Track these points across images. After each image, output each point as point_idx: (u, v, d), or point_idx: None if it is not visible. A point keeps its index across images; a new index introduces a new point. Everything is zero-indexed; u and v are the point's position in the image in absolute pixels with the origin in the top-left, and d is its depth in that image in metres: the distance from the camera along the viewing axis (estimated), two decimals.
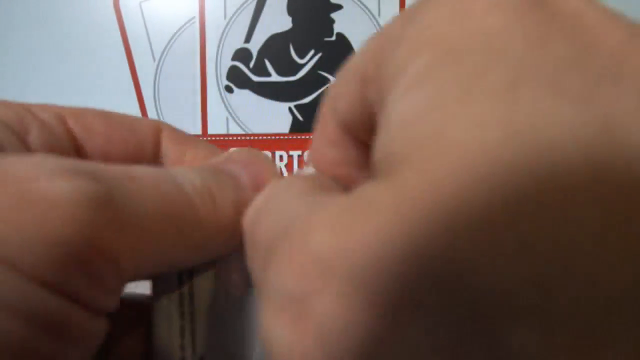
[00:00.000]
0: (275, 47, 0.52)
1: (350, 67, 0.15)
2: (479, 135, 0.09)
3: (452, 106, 0.10)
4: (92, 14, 0.52)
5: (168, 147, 0.21)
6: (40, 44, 0.52)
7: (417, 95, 0.10)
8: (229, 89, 0.52)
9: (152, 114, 0.51)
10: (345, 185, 0.18)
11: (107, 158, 0.19)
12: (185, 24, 0.52)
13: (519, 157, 0.09)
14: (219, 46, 0.52)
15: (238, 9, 0.52)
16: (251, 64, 0.52)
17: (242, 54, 0.52)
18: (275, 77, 0.52)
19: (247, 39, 0.52)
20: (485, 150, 0.09)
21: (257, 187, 0.18)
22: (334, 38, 0.52)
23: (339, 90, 0.15)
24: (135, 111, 0.51)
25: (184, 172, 0.17)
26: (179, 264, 0.17)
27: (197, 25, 0.52)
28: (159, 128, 0.21)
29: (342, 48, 0.52)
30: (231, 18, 0.52)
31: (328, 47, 0.52)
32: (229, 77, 0.52)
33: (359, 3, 0.52)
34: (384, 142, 0.11)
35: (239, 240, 0.17)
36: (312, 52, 0.52)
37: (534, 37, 0.10)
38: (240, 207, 0.17)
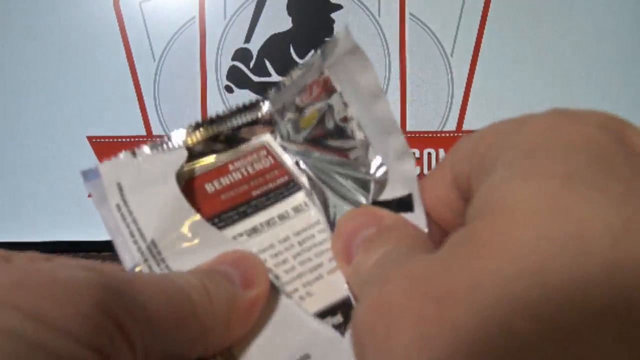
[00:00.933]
0: (275, 47, 0.52)
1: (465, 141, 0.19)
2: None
3: (559, 195, 0.13)
4: (92, 14, 0.52)
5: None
6: (40, 43, 0.52)
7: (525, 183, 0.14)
8: (229, 89, 0.52)
9: (152, 114, 0.51)
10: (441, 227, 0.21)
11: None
12: (185, 24, 0.52)
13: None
14: (219, 46, 0.52)
15: (238, 9, 0.52)
16: (251, 64, 0.52)
17: (242, 54, 0.52)
18: (275, 77, 0.52)
19: (247, 39, 0.52)
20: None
21: (248, 284, 0.20)
22: None
23: (458, 153, 0.19)
24: (135, 111, 0.51)
25: (181, 274, 0.19)
26: (184, 354, 0.18)
27: (197, 25, 0.52)
28: None
29: None
30: (231, 18, 0.52)
31: None
32: (229, 77, 0.52)
33: (359, 3, 0.52)
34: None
35: (233, 334, 0.19)
36: (312, 52, 0.52)
37: (607, 160, 0.14)
38: (232, 303, 0.19)
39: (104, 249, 0.49)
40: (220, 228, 0.22)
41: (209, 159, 0.24)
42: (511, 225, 0.13)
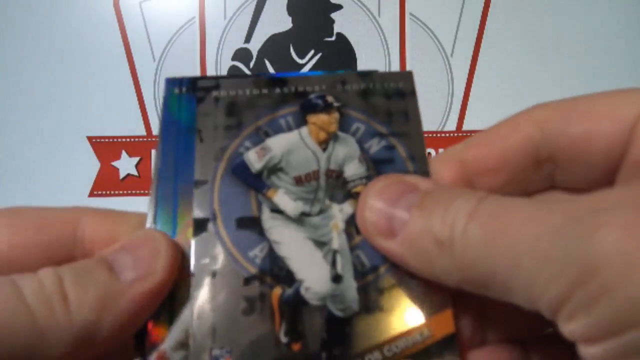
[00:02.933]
0: (275, 47, 0.52)
1: None
2: None
3: None
4: (92, 14, 0.52)
5: (93, 233, 0.21)
6: (40, 43, 0.52)
7: None
8: None
9: (152, 114, 0.51)
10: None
11: (12, 264, 0.19)
12: (185, 24, 0.52)
13: None
14: (219, 46, 0.52)
15: (238, 9, 0.52)
16: (251, 64, 0.52)
17: (242, 54, 0.52)
18: None
19: (247, 39, 0.52)
20: None
21: (143, 275, 0.19)
22: (334, 38, 0.52)
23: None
24: (136, 111, 0.51)
25: (32, 277, 0.17)
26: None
27: (197, 25, 0.52)
28: (76, 218, 0.21)
29: (342, 48, 0.52)
30: (231, 18, 0.52)
31: (328, 47, 0.52)
32: None
33: (359, 3, 0.52)
34: None
35: (107, 337, 0.18)
36: (312, 52, 0.52)
37: None
38: (109, 302, 0.17)
39: None
40: None
41: None
42: None
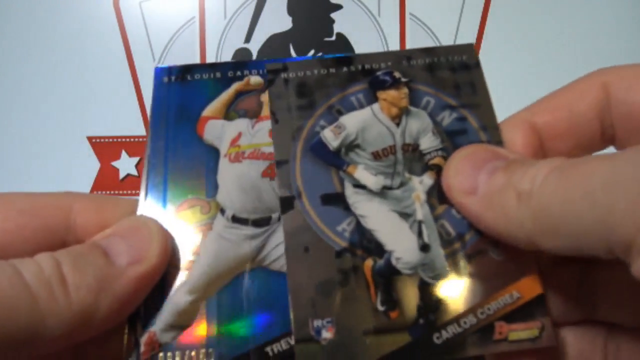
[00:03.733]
0: (275, 47, 0.52)
1: None
2: None
3: None
4: (92, 14, 0.52)
5: (85, 219, 0.22)
6: (40, 43, 0.52)
7: None
8: None
9: None
10: None
11: (4, 250, 0.19)
12: (185, 24, 0.52)
13: None
14: (219, 46, 0.52)
15: (238, 9, 0.52)
16: None
17: (242, 54, 0.52)
18: None
19: (247, 39, 0.52)
20: None
21: (138, 259, 0.19)
22: (334, 38, 0.52)
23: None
24: (136, 111, 0.51)
25: (31, 261, 0.18)
26: (42, 347, 0.17)
27: (197, 25, 0.52)
28: (68, 204, 0.22)
29: (342, 48, 0.52)
30: (231, 18, 0.52)
31: (328, 47, 0.52)
32: None
33: (359, 3, 0.52)
34: None
35: (113, 313, 0.18)
36: (312, 52, 0.52)
37: None
38: (106, 284, 0.18)
39: None
40: None
41: None
42: None
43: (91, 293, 0.18)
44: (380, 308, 0.21)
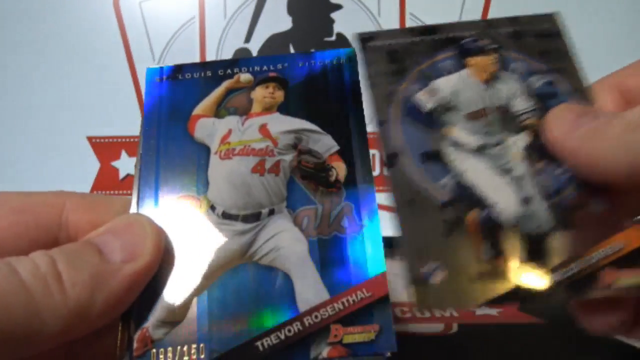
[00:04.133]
0: (275, 47, 0.52)
1: None
2: None
3: None
4: (92, 14, 0.52)
5: (77, 218, 0.22)
6: (40, 43, 0.52)
7: None
8: None
9: None
10: None
11: None
12: (185, 24, 0.52)
13: None
14: (218, 46, 0.52)
15: (238, 8, 0.52)
16: None
17: (242, 54, 0.52)
18: None
19: (247, 39, 0.52)
20: None
21: (132, 257, 0.20)
22: (334, 38, 0.52)
23: None
24: (136, 111, 0.51)
25: (26, 259, 0.18)
26: (38, 344, 0.17)
27: (197, 25, 0.52)
28: (61, 202, 0.22)
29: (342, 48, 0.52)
30: (231, 18, 0.52)
31: (328, 47, 0.52)
32: None
33: (359, 3, 0.52)
34: None
35: (108, 310, 0.18)
36: None
37: None
38: (101, 281, 0.18)
39: None
40: None
41: None
42: None
43: (87, 289, 0.18)
44: (485, 256, 0.22)
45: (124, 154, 0.50)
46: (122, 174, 0.50)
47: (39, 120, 0.51)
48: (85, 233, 0.21)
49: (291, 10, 0.52)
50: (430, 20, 0.52)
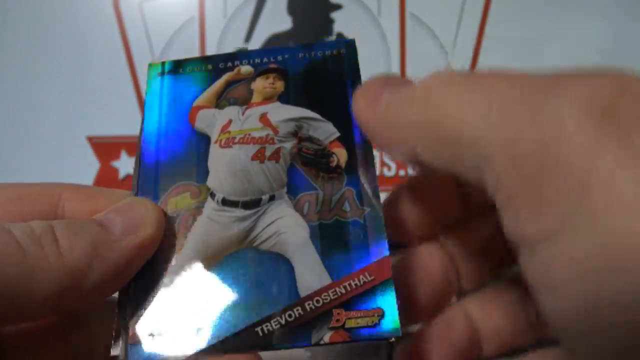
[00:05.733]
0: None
1: None
2: None
3: None
4: (92, 14, 0.52)
5: (74, 209, 0.22)
6: (40, 43, 0.52)
7: None
8: None
9: None
10: None
11: None
12: (185, 23, 0.52)
13: None
14: (218, 46, 0.52)
15: (238, 8, 0.52)
16: None
17: None
18: None
19: (247, 39, 0.52)
20: None
21: (134, 230, 0.19)
22: (334, 38, 0.52)
23: None
24: (136, 111, 0.51)
25: (22, 223, 0.17)
26: (30, 305, 0.17)
27: (196, 25, 0.52)
28: (57, 193, 0.22)
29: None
30: (231, 18, 0.52)
31: None
32: None
33: (359, 3, 0.52)
34: None
35: (108, 279, 0.18)
36: None
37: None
38: (98, 248, 0.18)
39: None
40: None
41: None
42: None
43: (86, 255, 0.17)
44: None
45: (124, 154, 0.50)
46: (122, 174, 0.50)
47: (39, 120, 0.51)
48: None
49: (291, 10, 0.52)
50: (430, 20, 0.52)
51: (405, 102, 0.19)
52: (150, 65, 0.28)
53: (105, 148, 0.50)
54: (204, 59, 0.28)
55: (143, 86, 0.51)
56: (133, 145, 0.50)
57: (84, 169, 0.50)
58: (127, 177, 0.50)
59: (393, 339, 0.20)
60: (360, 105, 0.22)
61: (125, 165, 0.50)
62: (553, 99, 0.14)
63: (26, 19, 0.52)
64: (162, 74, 0.27)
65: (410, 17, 0.52)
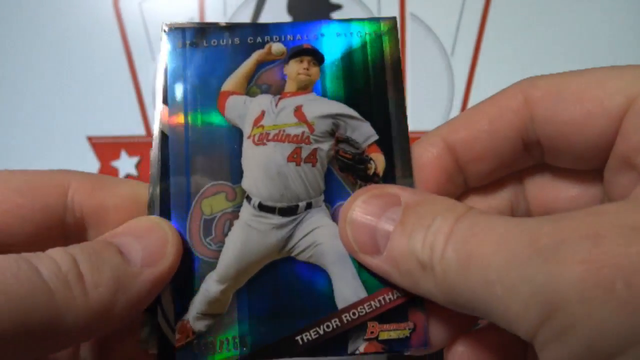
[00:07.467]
0: None
1: None
2: None
3: None
4: (92, 14, 0.52)
5: (83, 199, 0.21)
6: (40, 44, 0.52)
7: None
8: None
9: (151, 114, 0.51)
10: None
11: (3, 231, 0.19)
12: None
13: None
14: None
15: (238, 8, 0.52)
16: None
17: None
18: None
19: None
20: None
21: (151, 261, 0.19)
22: None
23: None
24: (135, 111, 0.51)
25: (46, 257, 0.17)
26: (51, 347, 0.17)
27: None
28: (66, 182, 0.21)
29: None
30: (231, 18, 0.52)
31: None
32: None
33: (359, 3, 0.52)
34: None
35: (125, 312, 0.18)
36: None
37: None
38: (123, 284, 0.18)
39: None
40: None
41: None
42: None
43: (109, 292, 0.18)
44: None
45: (124, 154, 0.50)
46: (122, 174, 0.50)
47: (39, 120, 0.51)
48: (91, 215, 0.21)
49: (291, 10, 0.52)
50: (430, 20, 0.52)
51: (412, 265, 0.19)
52: (167, 28, 0.25)
53: (105, 148, 0.50)
54: (231, 30, 0.25)
55: (143, 86, 0.51)
56: (133, 145, 0.50)
57: (84, 169, 0.50)
58: (127, 177, 0.50)
59: (423, 352, 0.21)
60: (356, 249, 0.21)
61: (125, 165, 0.50)
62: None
63: (26, 19, 0.52)
64: (184, 44, 0.24)
65: (410, 17, 0.52)
